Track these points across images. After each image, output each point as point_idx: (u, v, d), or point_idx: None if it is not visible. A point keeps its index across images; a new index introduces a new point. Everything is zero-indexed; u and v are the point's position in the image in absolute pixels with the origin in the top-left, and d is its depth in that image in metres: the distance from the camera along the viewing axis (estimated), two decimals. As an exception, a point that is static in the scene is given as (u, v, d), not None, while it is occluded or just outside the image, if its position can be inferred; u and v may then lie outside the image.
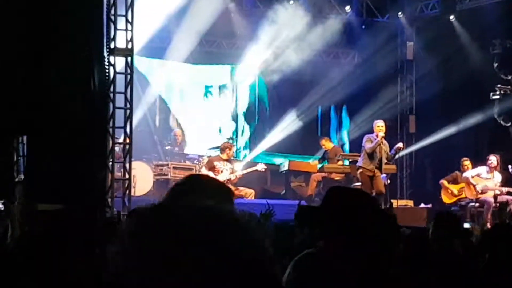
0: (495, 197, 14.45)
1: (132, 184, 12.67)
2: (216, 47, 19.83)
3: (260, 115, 20.83)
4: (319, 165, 17.39)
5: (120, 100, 11.90)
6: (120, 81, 11.93)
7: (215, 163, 14.70)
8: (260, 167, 15.68)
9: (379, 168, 13.96)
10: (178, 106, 19.93)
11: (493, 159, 14.75)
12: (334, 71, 20.46)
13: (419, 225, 11.90)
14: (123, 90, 11.96)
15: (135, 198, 12.84)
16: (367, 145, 13.98)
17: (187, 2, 17.42)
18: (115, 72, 11.72)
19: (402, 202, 17.05)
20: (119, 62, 12.00)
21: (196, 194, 2.31)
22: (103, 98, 11.26)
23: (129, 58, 12.06)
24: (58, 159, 9.80)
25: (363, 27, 19.85)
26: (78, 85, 10.35)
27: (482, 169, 14.83)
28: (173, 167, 15.52)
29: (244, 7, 19.19)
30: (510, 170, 14.69)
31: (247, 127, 20.72)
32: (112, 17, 11.74)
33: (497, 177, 14.78)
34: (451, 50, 18.24)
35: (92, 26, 10.92)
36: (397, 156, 14.92)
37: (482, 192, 14.57)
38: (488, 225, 13.10)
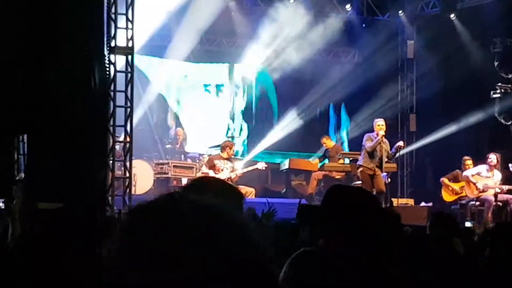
0: (495, 195, 14.45)
1: (133, 183, 12.66)
2: (216, 45, 19.83)
3: (261, 114, 20.82)
4: (320, 164, 17.39)
5: (120, 99, 11.90)
6: (120, 79, 11.93)
7: (216, 161, 14.70)
8: (261, 165, 15.67)
9: (380, 166, 13.95)
10: (178, 104, 19.93)
11: (493, 158, 14.75)
12: (335, 69, 20.47)
13: (420, 224, 11.90)
14: (123, 89, 11.95)
15: (136, 196, 12.84)
16: (368, 144, 13.97)
17: (188, 1, 17.43)
18: (115, 71, 11.71)
19: (403, 201, 17.05)
20: (120, 61, 12.00)
21: (205, 195, 2.30)
22: (104, 97, 11.26)
23: (129, 57, 12.06)
24: (59, 158, 9.80)
25: (364, 25, 19.85)
26: (78, 84, 10.35)
27: (482, 168, 14.83)
28: (174, 166, 15.52)
29: (244, 6, 19.19)
30: (511, 169, 14.69)
31: (248, 126, 20.71)
32: (113, 16, 11.74)
33: (497, 175, 14.78)
34: (452, 48, 18.24)
35: (92, 25, 10.91)
36: (397, 154, 14.92)
37: (483, 191, 14.57)
38: (490, 224, 13.12)
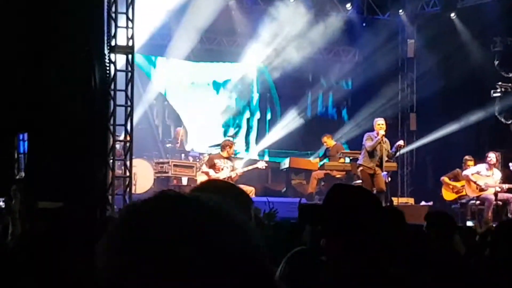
0: (495, 194, 14.45)
1: (133, 182, 12.66)
2: (216, 44, 19.83)
3: (262, 113, 20.82)
4: (320, 163, 17.39)
5: (121, 98, 11.89)
6: (120, 78, 11.93)
7: (216, 161, 14.69)
8: (261, 164, 15.67)
9: (380, 166, 13.95)
10: (179, 103, 19.93)
11: (492, 156, 14.76)
12: (335, 68, 20.49)
13: (420, 223, 11.89)
14: (124, 88, 11.95)
15: (136, 195, 12.83)
16: (368, 143, 13.97)
17: (188, 0, 17.44)
18: (115, 70, 11.70)
19: (403, 200, 17.06)
20: (120, 60, 12.00)
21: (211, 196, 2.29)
22: (104, 96, 11.25)
23: (129, 56, 12.05)
24: (59, 157, 9.80)
25: (364, 24, 19.84)
26: (78, 84, 10.35)
27: (481, 167, 14.84)
28: (174, 165, 15.51)
29: (244, 5, 19.19)
30: (511, 168, 14.70)
31: (248, 125, 20.71)
32: (113, 15, 11.73)
33: (497, 174, 14.78)
34: (452, 47, 18.25)
35: (92, 25, 10.91)
36: (398, 154, 14.92)
37: (483, 190, 14.57)
38: (491, 223, 13.12)
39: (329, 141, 17.45)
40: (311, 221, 3.44)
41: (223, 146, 14.95)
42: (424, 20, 19.40)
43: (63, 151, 9.90)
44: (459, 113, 17.62)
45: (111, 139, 11.68)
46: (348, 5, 19.33)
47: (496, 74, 16.86)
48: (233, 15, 19.01)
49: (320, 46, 19.57)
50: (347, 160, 16.83)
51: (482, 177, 14.69)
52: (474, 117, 17.39)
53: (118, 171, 12.46)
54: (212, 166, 14.63)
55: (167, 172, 15.42)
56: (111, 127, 11.65)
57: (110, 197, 11.39)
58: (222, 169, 14.59)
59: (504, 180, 14.89)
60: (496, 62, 17.00)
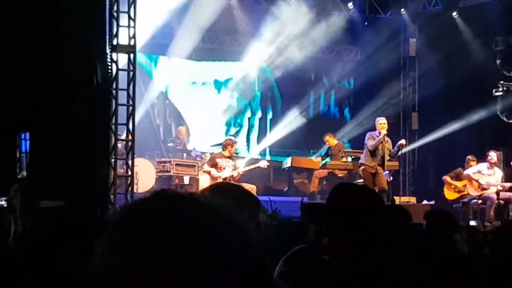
0: (497, 193, 14.44)
1: (135, 181, 12.66)
2: (218, 43, 19.83)
3: (264, 112, 20.83)
4: (322, 162, 17.39)
5: (122, 97, 11.89)
6: (122, 78, 11.92)
7: (218, 160, 14.70)
8: (263, 163, 15.67)
9: (382, 165, 13.95)
10: (180, 103, 19.94)
11: (493, 155, 14.74)
12: (337, 67, 20.49)
13: (422, 222, 11.89)
14: (125, 87, 11.94)
15: (138, 194, 12.84)
16: (369, 143, 13.97)
17: (189, -1, 17.46)
18: (117, 69, 11.69)
19: (405, 199, 17.05)
20: (122, 59, 11.99)
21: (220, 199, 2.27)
22: (106, 95, 11.25)
23: (131, 55, 12.04)
24: (60, 157, 9.80)
25: (366, 23, 19.83)
26: (79, 84, 10.35)
27: (482, 166, 14.82)
28: (176, 164, 15.51)
29: (246, 4, 19.18)
30: (513, 167, 14.72)
31: (250, 124, 20.72)
32: (115, 14, 11.72)
33: (498, 173, 14.77)
34: (454, 46, 18.23)
35: (93, 24, 10.91)
36: (399, 153, 14.91)
37: (484, 188, 14.56)
38: (495, 223, 13.14)
39: (331, 140, 17.45)
40: (315, 219, 3.44)
41: (224, 146, 14.96)
42: (426, 19, 19.39)
43: (65, 150, 9.90)
44: (461, 112, 17.61)
45: (113, 138, 11.67)
46: (350, 4, 19.33)
47: (498, 73, 16.85)
48: (235, 14, 19.01)
49: (322, 45, 19.57)
50: (349, 159, 16.82)
51: (484, 176, 14.69)
52: (476, 116, 17.38)
53: (120, 170, 12.46)
54: (214, 165, 14.63)
55: (169, 171, 15.42)
56: (113, 126, 11.63)
57: (112, 196, 11.38)
58: (224, 168, 14.59)
59: (506, 179, 14.89)
60: (498, 61, 16.99)
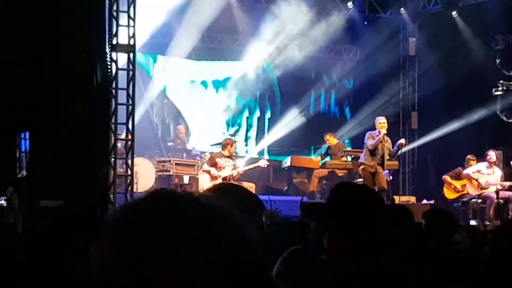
0: (497, 192, 14.44)
1: (135, 180, 12.66)
2: (218, 43, 19.83)
3: (263, 111, 20.83)
4: (322, 161, 17.39)
5: (122, 97, 11.89)
6: (122, 77, 11.92)
7: (217, 159, 14.70)
8: (262, 163, 15.67)
9: (381, 164, 13.95)
10: (180, 102, 19.94)
11: (492, 154, 14.74)
12: (337, 67, 20.49)
13: (421, 222, 11.88)
14: (125, 86, 11.94)
15: (138, 194, 12.83)
16: (369, 142, 13.97)
17: (189, -2, 17.46)
18: (117, 68, 11.69)
19: (405, 198, 17.04)
20: (121, 58, 11.98)
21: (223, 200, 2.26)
22: (105, 95, 11.24)
23: (131, 54, 12.04)
24: (60, 156, 9.80)
25: (365, 23, 19.83)
26: (79, 83, 10.35)
27: (481, 165, 14.82)
28: (175, 163, 15.51)
29: (246, 3, 19.18)
30: (513, 166, 14.72)
31: (249, 123, 20.72)
32: (114, 13, 11.71)
33: (497, 172, 14.77)
34: (454, 46, 18.23)
35: (92, 24, 10.90)
36: (399, 152, 14.91)
37: (484, 188, 14.56)
38: (495, 222, 13.14)
39: (331, 139, 17.46)
40: (315, 219, 3.44)
41: (224, 145, 14.96)
42: (426, 19, 19.38)
43: (65, 149, 9.90)
44: (461, 112, 17.60)
45: (113, 138, 11.67)
46: (350, 4, 19.32)
47: (498, 72, 16.84)
48: (235, 13, 19.00)
49: (321, 45, 19.57)
50: (349, 158, 16.82)
51: (483, 175, 14.69)
52: (475, 115, 17.37)
53: (120, 170, 12.46)
54: (214, 164, 14.64)
55: (169, 171, 15.42)
56: (113, 126, 11.63)
57: (111, 195, 11.39)
58: (223, 167, 14.60)
59: (506, 178, 14.89)
60: (498, 61, 16.99)
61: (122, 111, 11.87)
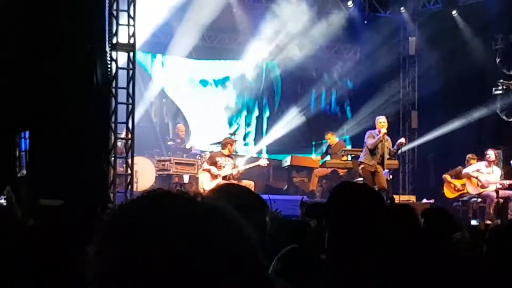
0: (496, 191, 14.43)
1: (134, 180, 12.67)
2: (218, 42, 19.83)
3: (263, 110, 20.83)
4: (322, 161, 17.40)
5: (122, 96, 11.90)
6: (122, 76, 11.93)
7: (217, 158, 14.70)
8: (263, 162, 15.67)
9: (381, 164, 13.95)
10: (180, 101, 19.94)
11: (491, 153, 14.72)
12: (337, 66, 20.49)
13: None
14: (125, 86, 11.95)
15: (138, 193, 12.83)
16: (369, 141, 13.97)
17: (189, -3, 17.46)
18: (117, 68, 11.71)
19: (405, 198, 17.04)
20: (121, 58, 12.00)
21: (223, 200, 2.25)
22: (105, 94, 11.25)
23: (131, 54, 12.05)
24: (60, 155, 9.80)
25: (365, 22, 19.82)
26: (79, 82, 10.35)
27: (481, 165, 14.80)
28: (175, 163, 15.51)
29: (246, 2, 19.18)
30: (513, 165, 14.71)
31: (249, 122, 20.72)
32: (114, 13, 11.73)
33: (497, 171, 14.75)
34: (453, 45, 18.22)
35: (93, 23, 10.91)
36: (399, 151, 14.91)
37: (484, 187, 14.55)
38: (496, 221, 13.13)
39: (332, 138, 17.48)
40: (317, 217, 3.45)
41: (224, 144, 14.96)
42: (426, 18, 19.37)
43: (65, 148, 9.90)
44: (461, 111, 17.59)
45: (113, 137, 11.68)
46: (350, 3, 19.32)
47: (498, 71, 16.85)
48: (235, 12, 19.00)
49: (321, 44, 19.58)
50: (349, 157, 16.83)
51: (483, 174, 14.68)
52: (475, 114, 17.37)
53: (120, 169, 12.48)
54: (214, 163, 14.64)
55: (169, 170, 15.42)
56: (113, 125, 11.65)
57: (111, 194, 11.41)
58: (223, 166, 14.60)
59: (506, 177, 14.88)
60: (498, 60, 16.99)
61: (122, 110, 11.89)
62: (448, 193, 15.36)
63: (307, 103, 20.49)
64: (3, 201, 8.67)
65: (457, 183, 15.18)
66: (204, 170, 14.83)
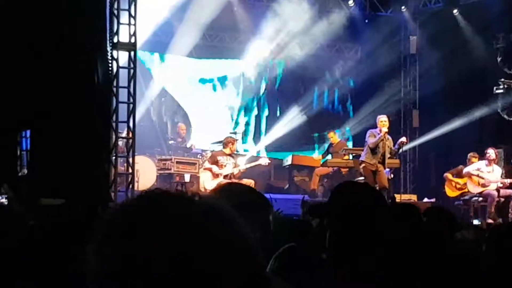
0: (497, 190, 14.42)
1: (135, 179, 12.67)
2: (219, 41, 19.83)
3: (263, 109, 20.83)
4: (323, 160, 17.40)
5: (123, 95, 11.90)
6: (123, 75, 11.93)
7: (219, 157, 14.70)
8: (264, 161, 15.67)
9: (382, 163, 13.94)
10: (180, 100, 19.94)
11: (491, 152, 14.71)
12: (338, 65, 20.49)
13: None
14: (126, 85, 11.95)
15: (138, 192, 12.82)
16: (370, 140, 13.96)
17: (190, -4, 17.47)
18: (118, 67, 11.70)
19: (406, 197, 17.04)
20: (122, 57, 11.99)
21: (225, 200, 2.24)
22: (106, 93, 11.25)
23: (132, 53, 12.05)
24: (61, 154, 9.80)
25: (366, 21, 19.83)
26: (79, 82, 10.34)
27: (481, 164, 14.79)
28: (177, 162, 15.51)
29: (247, 1, 19.19)
30: (514, 164, 14.70)
31: (251, 121, 20.73)
32: (115, 12, 11.73)
33: (497, 170, 14.74)
34: (455, 44, 18.21)
35: (94, 22, 10.90)
36: (400, 150, 14.90)
37: (485, 185, 14.54)
38: (498, 220, 13.13)
39: (334, 137, 17.50)
40: (318, 216, 3.45)
41: (225, 143, 14.95)
42: (427, 17, 19.37)
43: (66, 148, 9.90)
44: (462, 110, 17.59)
45: (114, 136, 11.68)
46: (351, 2, 19.33)
47: (499, 70, 16.84)
48: (236, 11, 19.01)
49: (322, 43, 19.58)
50: (350, 156, 16.83)
51: (483, 173, 14.67)
52: (476, 113, 17.36)
53: (121, 168, 12.48)
54: (215, 162, 14.63)
55: (170, 169, 15.43)
56: (114, 124, 11.65)
57: (112, 194, 11.40)
58: (224, 165, 14.59)
59: (507, 176, 14.87)
60: (499, 59, 16.98)
61: (123, 109, 11.89)
62: (449, 192, 15.35)
63: (309, 101, 20.49)
64: (4, 200, 8.67)
65: (459, 181, 15.16)
66: (205, 169, 14.83)
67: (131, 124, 12.03)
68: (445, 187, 15.46)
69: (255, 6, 19.16)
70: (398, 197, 15.46)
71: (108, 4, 11.43)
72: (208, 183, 14.28)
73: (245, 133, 20.44)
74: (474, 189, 14.71)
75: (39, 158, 9.98)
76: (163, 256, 1.12)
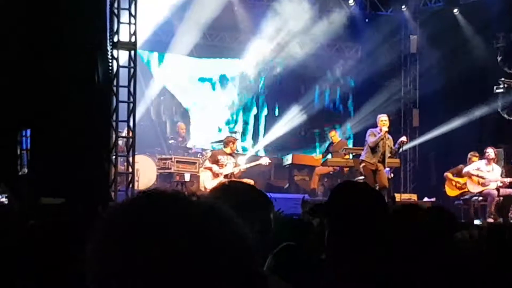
0: (497, 189, 14.42)
1: (136, 178, 12.67)
2: (219, 40, 19.83)
3: (263, 109, 20.83)
4: (323, 159, 17.41)
5: (123, 94, 11.89)
6: (123, 74, 11.92)
7: (219, 157, 14.70)
8: (264, 160, 15.67)
9: (382, 162, 13.94)
10: (181, 100, 19.95)
11: (490, 151, 14.70)
12: (338, 64, 20.49)
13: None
14: (126, 84, 11.95)
15: (139, 191, 12.81)
16: (370, 139, 13.96)
17: (190, -4, 17.47)
18: (118, 66, 11.70)
19: (406, 196, 17.04)
20: (123, 56, 11.99)
21: (225, 199, 2.25)
22: (107, 92, 11.25)
23: (132, 52, 12.05)
24: (61, 154, 9.80)
25: (367, 20, 19.82)
26: (80, 81, 10.34)
27: (481, 163, 14.78)
28: (177, 161, 15.51)
29: (247, 0, 19.18)
30: (514, 164, 14.70)
31: (249, 120, 20.72)
32: (116, 11, 11.73)
33: (497, 169, 14.73)
34: (455, 43, 18.21)
35: (93, 22, 10.90)
36: (400, 150, 14.89)
37: (485, 184, 14.53)
38: (499, 219, 13.13)
39: (335, 137, 17.50)
40: (318, 215, 3.45)
41: (226, 143, 14.95)
42: (427, 16, 19.36)
43: (66, 147, 9.90)
44: (462, 109, 17.59)
45: (114, 135, 11.68)
46: (351, 1, 19.33)
47: (499, 70, 16.84)
48: (236, 11, 19.01)
49: (323, 42, 19.58)
50: (351, 156, 16.84)
51: (483, 173, 14.67)
52: (477, 113, 17.36)
53: (121, 167, 12.48)
54: (215, 162, 14.63)
55: (170, 168, 15.42)
56: (114, 123, 11.64)
57: (112, 193, 11.40)
58: (225, 165, 14.59)
59: (507, 175, 14.87)
60: (499, 58, 16.98)
61: (123, 109, 11.88)
62: (450, 191, 15.35)
63: (309, 100, 20.48)
64: (4, 200, 8.68)
65: (459, 180, 15.16)
66: (205, 168, 14.82)
67: (131, 124, 12.03)
68: (445, 186, 15.46)
69: (256, 5, 19.15)
70: (398, 197, 15.46)
71: (108, 3, 11.43)
72: (208, 182, 14.28)
73: (243, 132, 20.44)
74: (474, 188, 14.71)
75: (39, 158, 9.98)
76: (163, 256, 1.12)
